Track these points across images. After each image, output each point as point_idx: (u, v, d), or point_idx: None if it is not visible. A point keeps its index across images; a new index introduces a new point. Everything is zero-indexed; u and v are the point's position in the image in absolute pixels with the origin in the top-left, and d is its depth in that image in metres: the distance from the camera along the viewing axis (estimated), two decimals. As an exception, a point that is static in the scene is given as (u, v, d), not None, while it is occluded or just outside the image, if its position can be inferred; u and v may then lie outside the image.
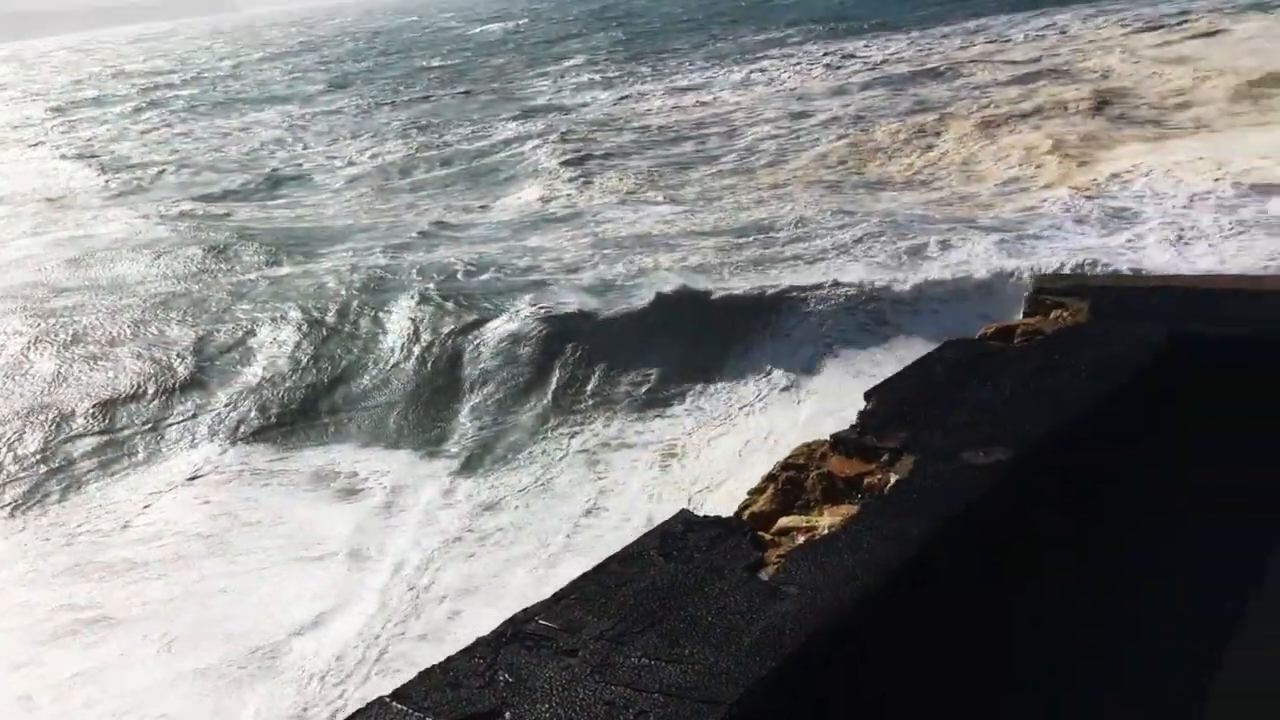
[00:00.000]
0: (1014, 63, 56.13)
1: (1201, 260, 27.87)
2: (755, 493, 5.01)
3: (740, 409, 22.19)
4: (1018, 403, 4.96)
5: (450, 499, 19.86)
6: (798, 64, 65.82)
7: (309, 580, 16.55)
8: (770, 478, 4.98)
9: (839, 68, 62.42)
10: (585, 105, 60.91)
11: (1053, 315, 6.28)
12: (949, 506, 4.15)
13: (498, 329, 25.13)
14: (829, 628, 3.56)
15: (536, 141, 48.78)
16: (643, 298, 25.93)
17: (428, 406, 24.25)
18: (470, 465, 21.14)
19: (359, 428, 22.68)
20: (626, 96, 61.92)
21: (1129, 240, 30.03)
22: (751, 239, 32.06)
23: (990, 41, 63.30)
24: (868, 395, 5.34)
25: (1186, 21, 60.10)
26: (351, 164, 47.84)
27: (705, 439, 21.55)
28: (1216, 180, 33.05)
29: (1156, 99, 44.28)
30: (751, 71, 65.62)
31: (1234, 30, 57.23)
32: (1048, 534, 4.54)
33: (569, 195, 39.95)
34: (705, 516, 4.39)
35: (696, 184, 40.91)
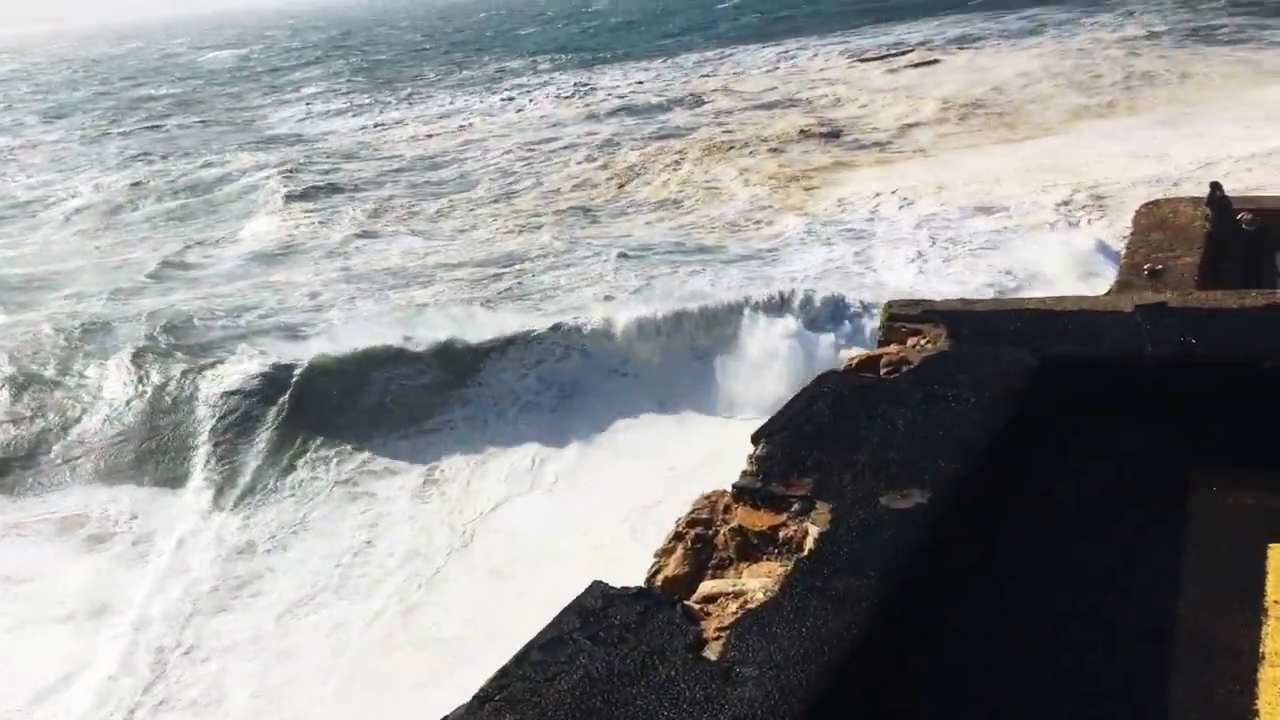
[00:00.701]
0: (752, 93, 58.83)
1: (934, 279, 29.86)
2: (663, 554, 4.59)
3: (490, 439, 21.84)
4: (918, 439, 4.79)
5: (200, 540, 18.29)
6: (547, 92, 66.33)
7: (54, 643, 14.76)
8: (677, 536, 4.58)
9: (586, 96, 63.41)
10: (329, 134, 58.90)
11: (910, 343, 6.21)
12: (887, 559, 3.89)
13: (235, 370, 23.58)
14: (805, 712, 3.18)
15: (273, 171, 46.55)
16: (385, 336, 25.11)
17: (171, 449, 22.43)
18: (220, 503, 19.55)
19: (98, 472, 20.67)
20: (379, 124, 60.31)
21: (865, 259, 31.82)
22: (500, 271, 31.68)
23: (732, 71, 66.14)
24: (755, 438, 5.04)
25: (904, 54, 64.96)
26: (74, 196, 43.95)
27: (467, 466, 20.83)
28: (943, 204, 35.59)
29: (881, 125, 47.48)
30: (501, 99, 65.54)
31: (945, 61, 62.21)
32: (968, 570, 4.37)
33: (313, 228, 38.28)
34: (623, 588, 3.93)
35: (449, 214, 40.23)
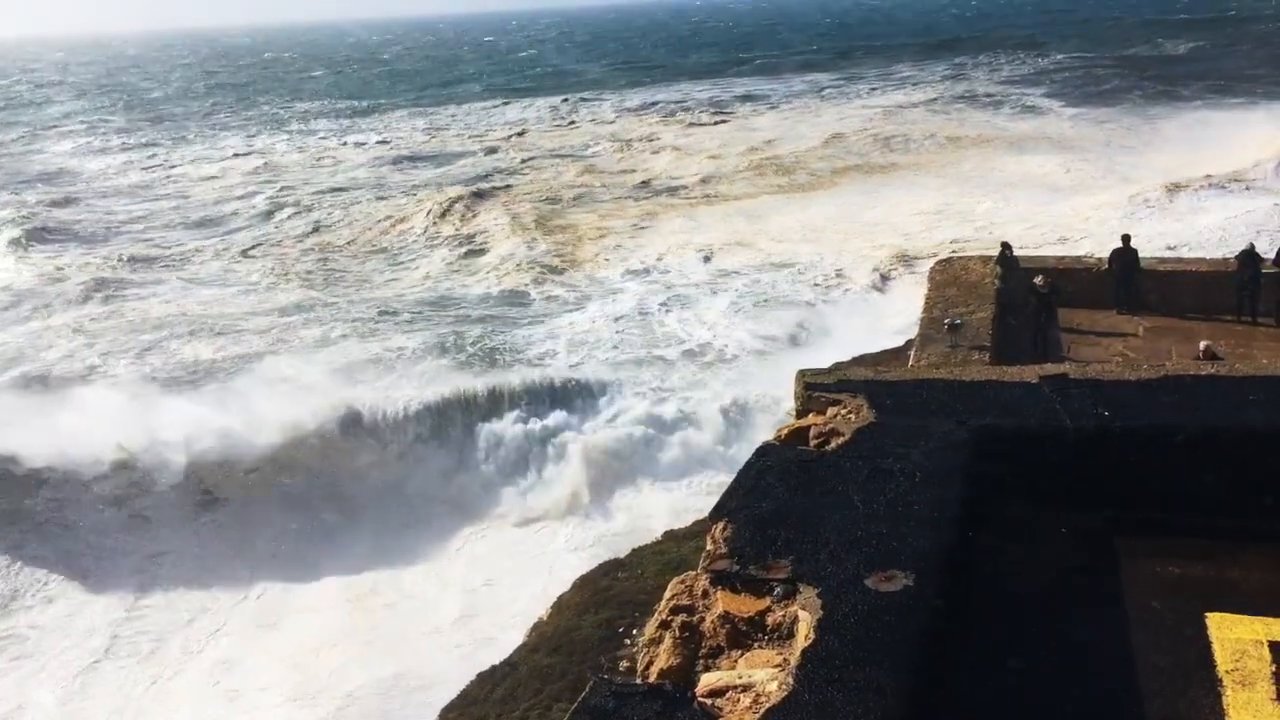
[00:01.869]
0: (552, 150, 59.23)
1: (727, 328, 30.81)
2: (652, 643, 4.43)
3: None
4: (880, 517, 4.84)
5: None
6: (333, 138, 64.74)
7: None
8: (663, 624, 4.43)
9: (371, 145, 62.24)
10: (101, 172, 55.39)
11: (831, 413, 6.30)
12: (896, 647, 3.88)
13: None
14: (862, 816, 3.11)
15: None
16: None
17: None
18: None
19: None
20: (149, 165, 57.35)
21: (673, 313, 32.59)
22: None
23: (528, 129, 66.57)
24: (714, 517, 4.97)
25: (695, 110, 66.96)
26: None
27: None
28: (757, 258, 36.73)
29: (687, 179, 48.80)
30: (286, 143, 63.43)
31: (741, 119, 64.64)
32: (958, 650, 4.42)
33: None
34: (631, 685, 3.76)
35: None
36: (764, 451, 5.66)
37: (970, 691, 4.35)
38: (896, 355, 27.96)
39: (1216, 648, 4.52)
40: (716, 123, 62.33)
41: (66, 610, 19.31)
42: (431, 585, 21.01)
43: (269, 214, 44.40)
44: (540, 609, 19.38)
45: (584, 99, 76.61)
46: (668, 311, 31.75)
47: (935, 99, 66.15)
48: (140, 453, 22.42)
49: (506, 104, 76.81)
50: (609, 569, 20.91)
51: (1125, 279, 23.34)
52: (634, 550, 21.34)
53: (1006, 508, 5.53)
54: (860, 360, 26.78)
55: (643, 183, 48.40)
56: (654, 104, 72.61)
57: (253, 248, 39.08)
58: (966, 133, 53.98)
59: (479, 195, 45.85)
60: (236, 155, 58.61)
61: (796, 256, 35.84)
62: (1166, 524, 5.34)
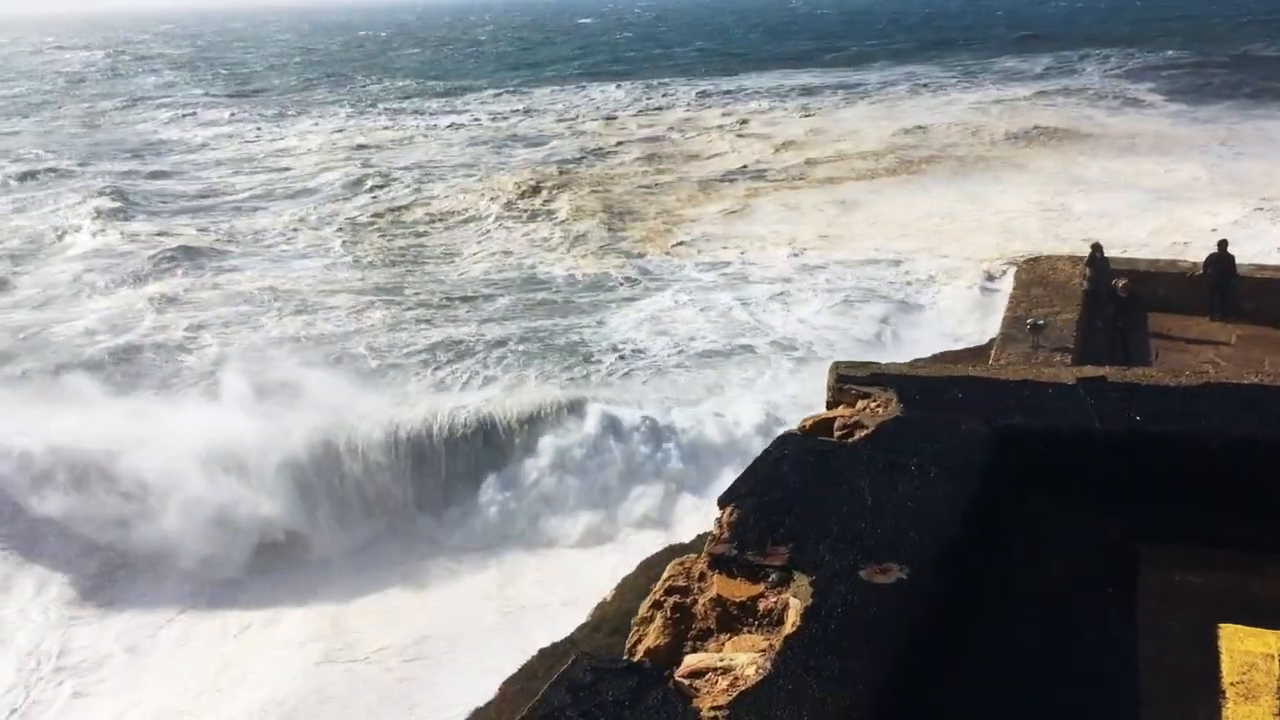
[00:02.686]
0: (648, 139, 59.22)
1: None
2: (643, 622, 4.53)
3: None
4: (888, 510, 4.86)
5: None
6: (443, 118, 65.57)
7: None
8: (655, 604, 4.54)
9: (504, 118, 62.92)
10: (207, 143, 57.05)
11: (860, 406, 6.31)
12: (879, 638, 3.92)
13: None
14: (818, 803, 3.18)
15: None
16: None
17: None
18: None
19: None
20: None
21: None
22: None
23: (618, 112, 66.65)
24: (723, 501, 5.04)
25: (787, 98, 66.21)
26: None
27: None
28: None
29: (775, 167, 48.40)
30: (389, 121, 64.49)
31: (830, 109, 63.75)
32: (949, 648, 4.44)
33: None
34: (610, 661, 3.87)
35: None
36: (783, 440, 5.70)
37: (965, 689, 4.37)
38: (977, 354, 27.50)
39: (1225, 659, 4.46)
40: (807, 114, 61.76)
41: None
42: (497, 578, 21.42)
43: (357, 188, 45.43)
44: (607, 589, 19.68)
45: (676, 83, 76.54)
46: (753, 305, 31.66)
47: (1038, 93, 64.68)
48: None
49: (599, 86, 77.02)
50: (674, 553, 21.10)
51: (1220, 285, 22.69)
52: (698, 535, 21.50)
53: (1028, 508, 5.50)
54: (941, 358, 26.42)
55: (731, 169, 48.26)
56: (744, 90, 72.20)
57: (339, 224, 40.02)
58: (1068, 127, 52.67)
59: (564, 177, 46.22)
60: (334, 131, 59.92)
61: (887, 252, 35.46)
62: (1191, 532, 5.26)
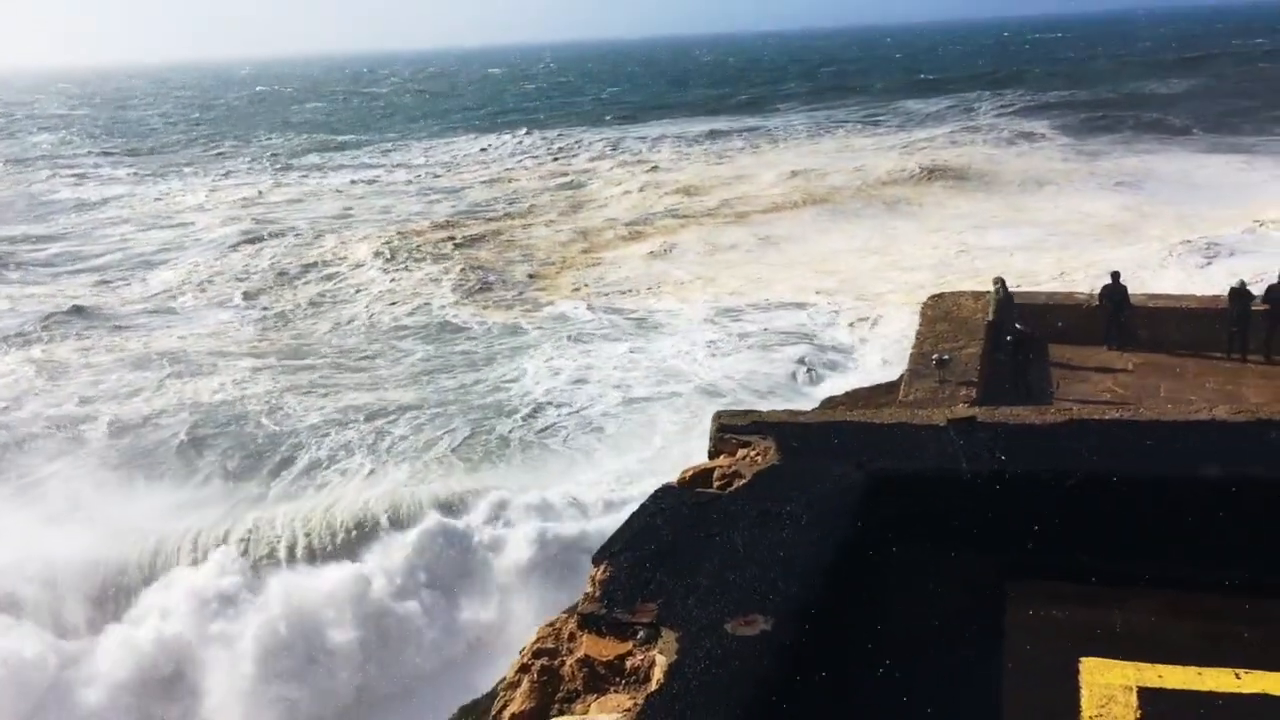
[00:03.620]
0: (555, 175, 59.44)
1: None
2: (510, 687, 4.53)
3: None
4: (757, 560, 4.94)
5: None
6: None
7: None
8: (523, 668, 4.54)
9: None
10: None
11: (740, 455, 6.41)
12: (736, 692, 3.98)
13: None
14: None
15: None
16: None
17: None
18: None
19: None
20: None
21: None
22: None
23: (520, 160, 67.01)
24: (597, 559, 5.08)
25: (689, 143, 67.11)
26: None
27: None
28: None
29: (682, 210, 48.88)
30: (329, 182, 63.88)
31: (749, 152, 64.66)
32: (817, 694, 4.51)
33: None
34: (471, 732, 3.87)
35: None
36: (661, 494, 5.77)
37: (834, 736, 4.44)
38: (888, 390, 28.01)
39: (1085, 692, 4.60)
40: (717, 159, 62.74)
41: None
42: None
43: (254, 244, 44.90)
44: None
45: (584, 131, 77.21)
46: (667, 353, 31.62)
47: (940, 134, 66.55)
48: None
49: (507, 134, 77.29)
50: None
51: (1115, 315, 23.47)
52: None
53: (899, 551, 5.63)
54: (852, 395, 26.84)
55: (640, 214, 48.69)
56: (651, 136, 73.11)
57: (232, 281, 39.37)
58: (968, 165, 54.27)
59: (469, 226, 46.23)
60: (232, 187, 59.22)
61: (798, 293, 35.94)
62: (1056, 568, 5.43)
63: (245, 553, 19.98)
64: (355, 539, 20.66)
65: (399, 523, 21.01)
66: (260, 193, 59.39)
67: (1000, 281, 24.99)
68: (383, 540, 20.61)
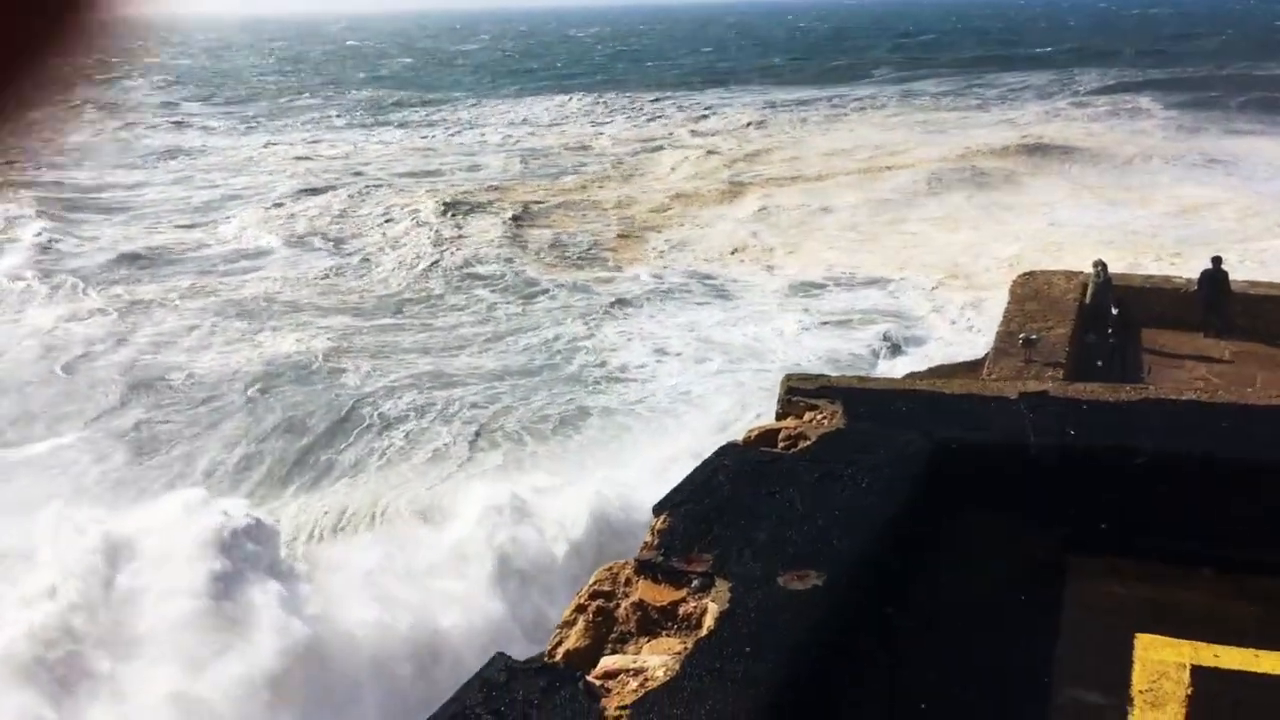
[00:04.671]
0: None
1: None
2: (565, 625, 4.73)
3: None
4: (816, 519, 5.05)
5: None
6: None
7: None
8: (579, 608, 4.73)
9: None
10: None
11: (807, 418, 6.51)
12: (786, 642, 4.11)
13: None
14: (705, 796, 3.36)
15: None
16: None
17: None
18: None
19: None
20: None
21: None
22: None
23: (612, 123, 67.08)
24: (657, 509, 5.24)
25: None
26: None
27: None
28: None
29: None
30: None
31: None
32: (863, 656, 4.63)
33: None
34: (527, 662, 4.07)
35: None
36: (724, 451, 5.90)
37: (881, 694, 4.56)
38: (972, 369, 27.68)
39: (1137, 668, 4.65)
40: (802, 124, 62.07)
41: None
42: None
43: (322, 194, 45.85)
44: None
45: (671, 96, 77.05)
46: (734, 326, 31.39)
47: (1043, 110, 65.05)
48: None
49: (588, 97, 77.38)
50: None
51: (1213, 302, 22.89)
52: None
53: (962, 519, 5.69)
54: (935, 371, 26.57)
55: (723, 180, 48.49)
56: (737, 103, 72.57)
57: (313, 229, 40.15)
58: (1069, 143, 52.97)
59: (538, 188, 46.56)
60: (310, 142, 60.38)
61: (885, 268, 35.55)
62: (1118, 544, 5.45)
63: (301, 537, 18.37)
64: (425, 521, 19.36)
65: (458, 508, 19.45)
66: (352, 145, 60.42)
67: (1101, 264, 24.50)
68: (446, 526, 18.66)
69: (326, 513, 18.90)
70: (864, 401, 6.56)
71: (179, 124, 69.43)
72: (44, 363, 26.90)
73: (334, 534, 18.35)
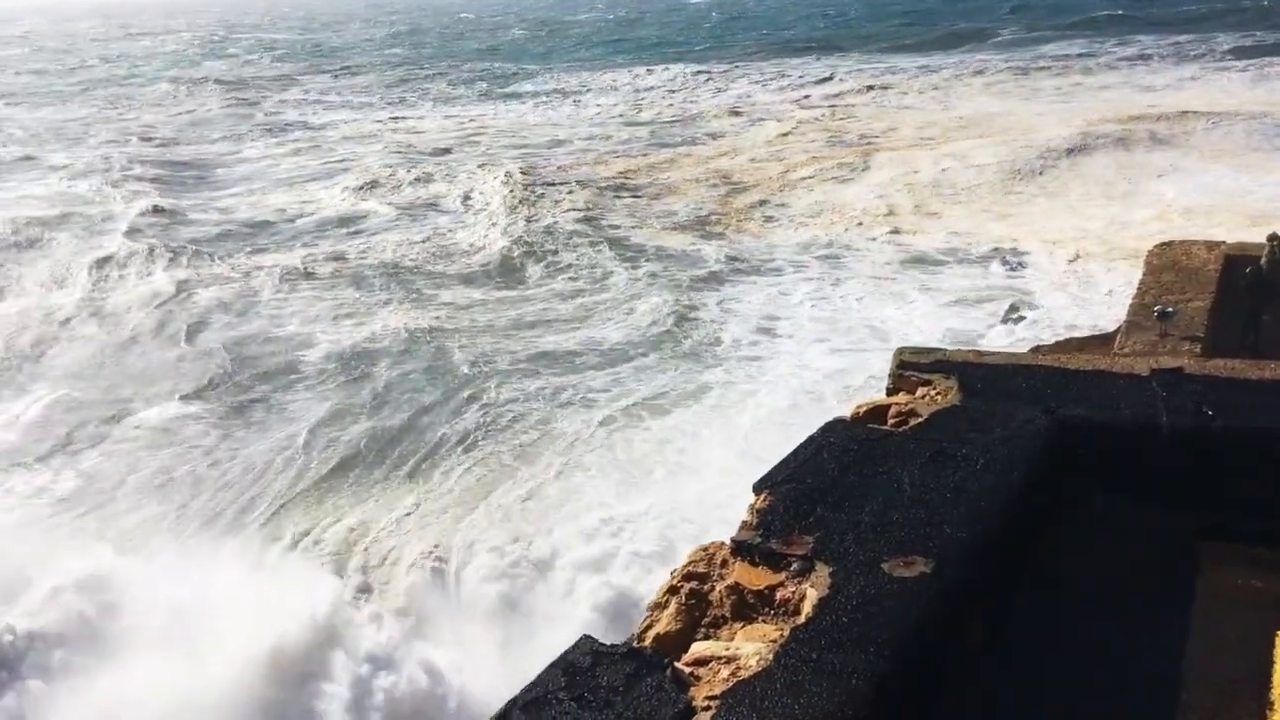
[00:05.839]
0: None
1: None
2: (657, 608, 4.60)
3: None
4: (925, 501, 4.82)
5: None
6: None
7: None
8: (671, 590, 4.60)
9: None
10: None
11: (920, 393, 6.25)
12: (888, 633, 3.91)
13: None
14: (796, 796, 3.20)
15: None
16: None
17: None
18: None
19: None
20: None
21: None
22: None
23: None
24: (758, 487, 5.07)
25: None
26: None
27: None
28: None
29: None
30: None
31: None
32: (971, 643, 4.40)
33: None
34: (613, 646, 3.95)
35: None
36: (829, 428, 5.69)
37: (994, 686, 4.33)
38: (1103, 343, 26.62)
39: (1279, 668, 4.32)
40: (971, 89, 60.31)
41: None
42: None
43: (446, 164, 46.63)
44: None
45: (769, 63, 75.85)
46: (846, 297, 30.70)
47: (1182, 73, 62.04)
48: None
49: (697, 65, 76.65)
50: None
51: (1260, 305, 21.54)
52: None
53: (1084, 503, 5.39)
54: (1063, 345, 25.65)
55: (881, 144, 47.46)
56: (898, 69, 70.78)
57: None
58: (1223, 108, 50.40)
59: (650, 156, 46.38)
60: (441, 115, 61.29)
61: (1015, 238, 34.34)
62: (1257, 533, 5.09)
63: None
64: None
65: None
66: (468, 117, 61.06)
67: (1276, 237, 23.27)
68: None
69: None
70: (981, 377, 6.27)
71: (299, 98, 71.12)
72: (161, 331, 27.94)
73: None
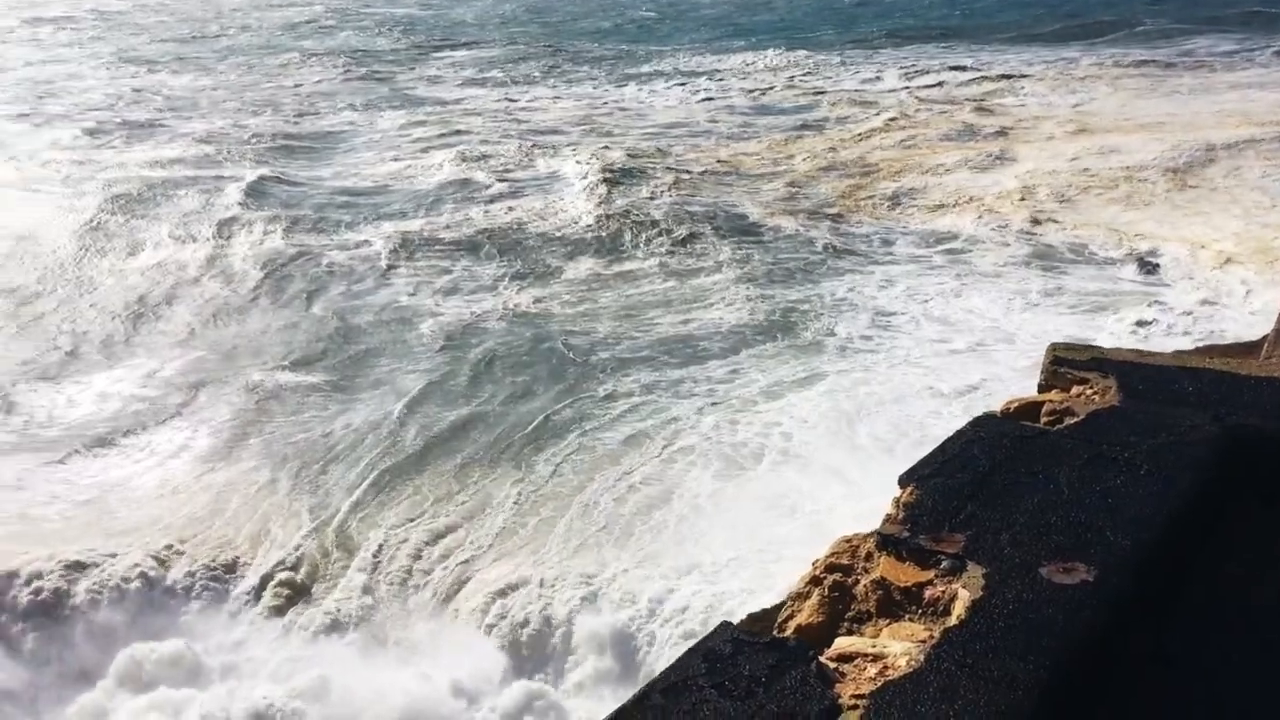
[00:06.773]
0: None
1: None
2: (798, 598, 4.46)
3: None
4: (1084, 505, 4.57)
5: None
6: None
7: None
8: (814, 580, 4.45)
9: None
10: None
11: (1075, 392, 5.97)
12: (1049, 642, 3.69)
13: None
14: (952, 809, 3.03)
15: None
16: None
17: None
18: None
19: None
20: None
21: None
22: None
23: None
24: (903, 480, 4.88)
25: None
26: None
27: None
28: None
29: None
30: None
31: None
32: (1135, 658, 4.15)
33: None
34: (754, 635, 3.81)
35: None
36: (979, 422, 5.46)
37: (1153, 709, 4.08)
38: (1249, 350, 25.47)
39: None
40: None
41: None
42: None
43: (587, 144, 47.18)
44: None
45: (893, 50, 74.28)
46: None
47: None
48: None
49: (821, 52, 75.57)
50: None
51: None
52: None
53: (1257, 519, 5.06)
54: (1208, 350, 24.65)
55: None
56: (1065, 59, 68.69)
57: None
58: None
59: (774, 139, 45.92)
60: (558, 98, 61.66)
61: (1163, 240, 33.12)
62: None
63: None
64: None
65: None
66: (589, 94, 61.32)
67: None
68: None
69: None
70: (1142, 378, 5.95)
71: (425, 73, 72.19)
72: (276, 298, 28.88)
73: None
